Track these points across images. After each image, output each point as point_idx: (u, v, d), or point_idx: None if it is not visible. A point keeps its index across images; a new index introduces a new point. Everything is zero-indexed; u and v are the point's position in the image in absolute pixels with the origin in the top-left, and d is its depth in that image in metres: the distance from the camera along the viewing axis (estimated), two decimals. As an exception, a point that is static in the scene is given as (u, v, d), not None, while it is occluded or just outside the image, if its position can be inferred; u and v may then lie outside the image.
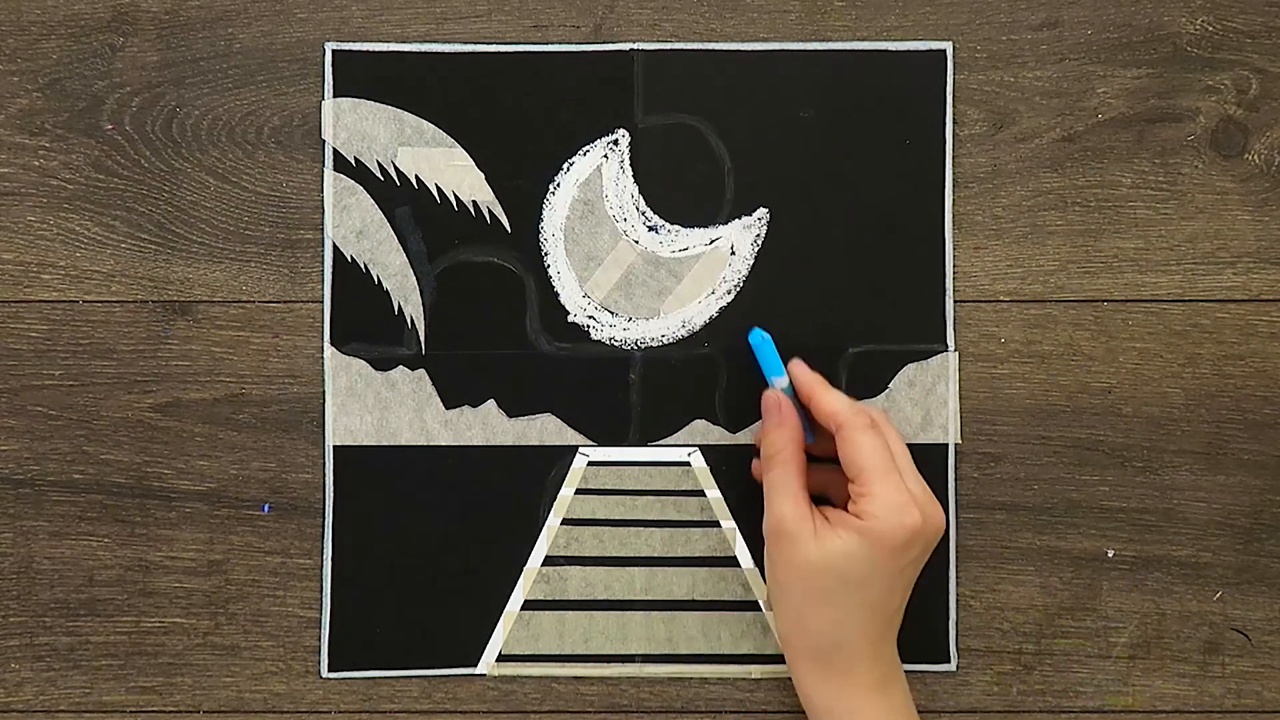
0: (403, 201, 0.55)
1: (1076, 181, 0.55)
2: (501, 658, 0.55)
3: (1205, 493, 0.55)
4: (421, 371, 0.55)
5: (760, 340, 0.53)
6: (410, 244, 0.55)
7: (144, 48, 0.55)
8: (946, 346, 0.55)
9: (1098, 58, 0.55)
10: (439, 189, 0.55)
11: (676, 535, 0.55)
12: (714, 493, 0.55)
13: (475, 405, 0.55)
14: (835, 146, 0.55)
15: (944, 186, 0.55)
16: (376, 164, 0.55)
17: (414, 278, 0.55)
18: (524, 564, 0.55)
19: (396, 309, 0.55)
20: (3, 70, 0.55)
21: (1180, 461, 0.55)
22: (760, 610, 0.55)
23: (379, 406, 0.55)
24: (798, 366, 0.53)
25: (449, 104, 0.55)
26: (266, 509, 0.55)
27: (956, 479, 0.55)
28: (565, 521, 0.55)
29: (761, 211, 0.55)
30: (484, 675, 0.55)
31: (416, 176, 0.55)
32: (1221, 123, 0.55)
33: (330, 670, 0.55)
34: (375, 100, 0.55)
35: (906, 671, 0.54)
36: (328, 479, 0.55)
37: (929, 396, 0.55)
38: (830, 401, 0.51)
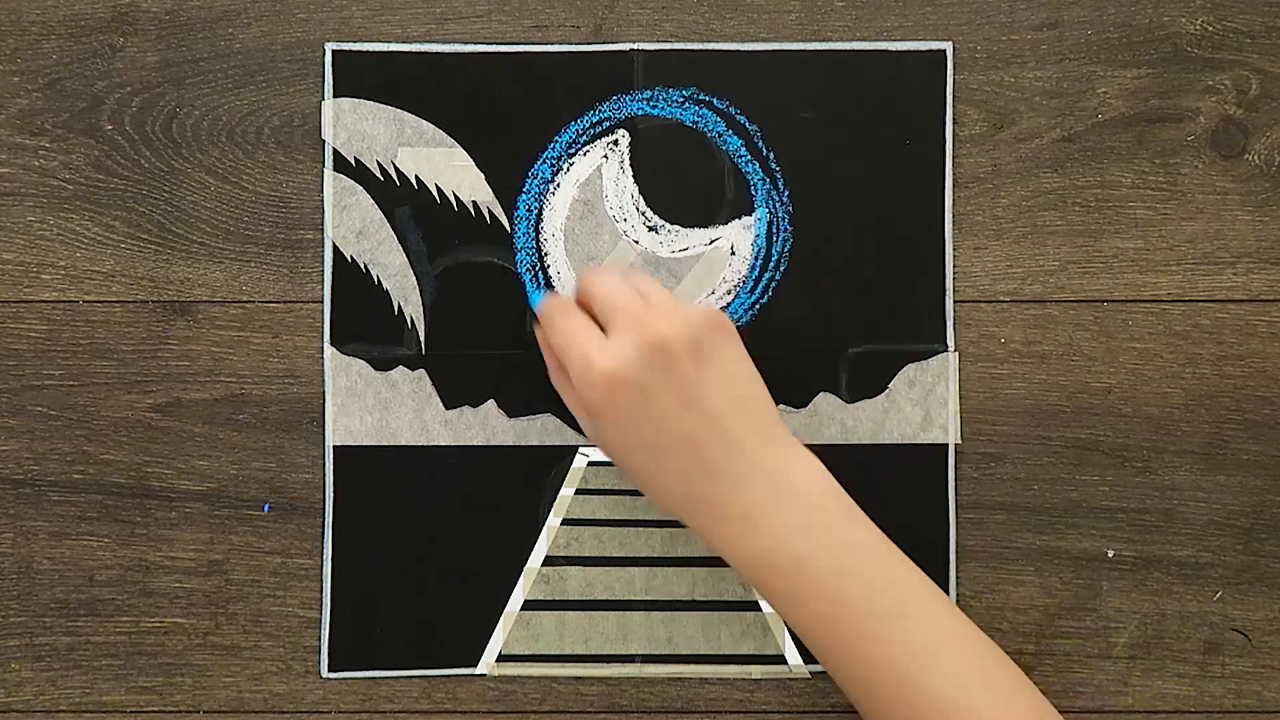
0: (403, 201, 0.55)
1: (1076, 181, 0.55)
2: (501, 658, 0.55)
3: (1205, 493, 0.55)
4: (421, 371, 0.55)
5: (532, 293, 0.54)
6: (410, 244, 0.55)
7: (144, 48, 0.55)
8: (946, 346, 0.55)
9: (1098, 58, 0.55)
10: (439, 189, 0.55)
11: (676, 535, 0.55)
12: (714, 493, 0.55)
13: (475, 405, 0.55)
14: (835, 147, 0.55)
15: (944, 186, 0.55)
16: (376, 164, 0.55)
17: (414, 278, 0.55)
18: (524, 564, 0.55)
19: (396, 309, 0.55)
20: (3, 70, 0.55)
21: (1180, 461, 0.55)
22: (760, 610, 0.55)
23: (379, 406, 0.55)
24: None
25: (449, 104, 0.55)
26: (266, 509, 0.55)
27: (956, 479, 0.55)
28: (565, 521, 0.55)
29: (761, 212, 0.55)
30: (484, 675, 0.55)
31: (416, 176, 0.55)
32: (1221, 123, 0.55)
33: (330, 670, 0.55)
34: (375, 100, 0.55)
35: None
36: (328, 479, 0.55)
37: (929, 396, 0.55)
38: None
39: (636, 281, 0.50)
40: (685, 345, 0.48)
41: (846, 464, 0.55)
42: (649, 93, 0.55)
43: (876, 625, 0.47)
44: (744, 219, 0.55)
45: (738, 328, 0.55)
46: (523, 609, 0.55)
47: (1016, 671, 0.48)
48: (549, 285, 0.55)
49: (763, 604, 0.55)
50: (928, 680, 0.47)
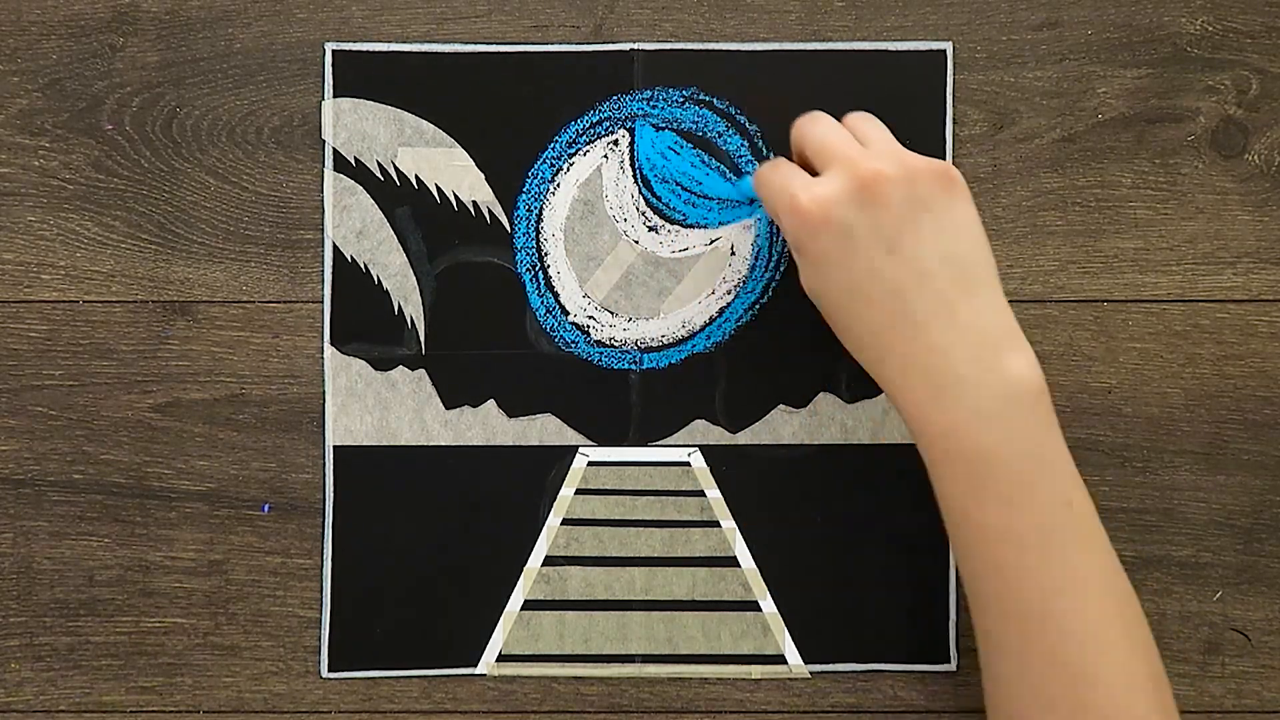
0: (403, 201, 0.55)
1: (1076, 181, 0.55)
2: (501, 658, 0.55)
3: (1205, 493, 0.55)
4: (421, 371, 0.55)
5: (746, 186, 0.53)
6: (410, 244, 0.55)
7: (144, 48, 0.55)
8: (946, 346, 0.55)
9: (1098, 58, 0.55)
10: (439, 189, 0.55)
11: (676, 535, 0.55)
12: (714, 493, 0.55)
13: (475, 405, 0.55)
14: (835, 146, 0.55)
15: (944, 186, 0.55)
16: (376, 164, 0.55)
17: (414, 278, 0.55)
18: (524, 564, 0.55)
19: (396, 309, 0.55)
20: (3, 70, 0.55)
21: (1180, 461, 0.55)
22: (760, 610, 0.55)
23: (379, 406, 0.55)
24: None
25: (449, 104, 0.55)
26: (266, 509, 0.55)
27: (956, 479, 0.55)
28: (565, 521, 0.55)
29: (762, 212, 0.55)
30: (484, 675, 0.55)
31: (416, 176, 0.55)
32: (1221, 123, 0.55)
33: (330, 670, 0.55)
34: (375, 100, 0.55)
35: (905, 672, 0.54)
36: (328, 479, 0.55)
37: (929, 396, 0.55)
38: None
39: (859, 125, 0.48)
40: (899, 188, 0.45)
41: (846, 464, 0.55)
42: (649, 93, 0.55)
43: (1040, 544, 0.44)
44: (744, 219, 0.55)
45: (737, 327, 0.55)
46: (523, 609, 0.55)
47: (1147, 632, 0.46)
48: (549, 285, 0.55)
49: (763, 604, 0.55)
50: (1070, 618, 0.44)
